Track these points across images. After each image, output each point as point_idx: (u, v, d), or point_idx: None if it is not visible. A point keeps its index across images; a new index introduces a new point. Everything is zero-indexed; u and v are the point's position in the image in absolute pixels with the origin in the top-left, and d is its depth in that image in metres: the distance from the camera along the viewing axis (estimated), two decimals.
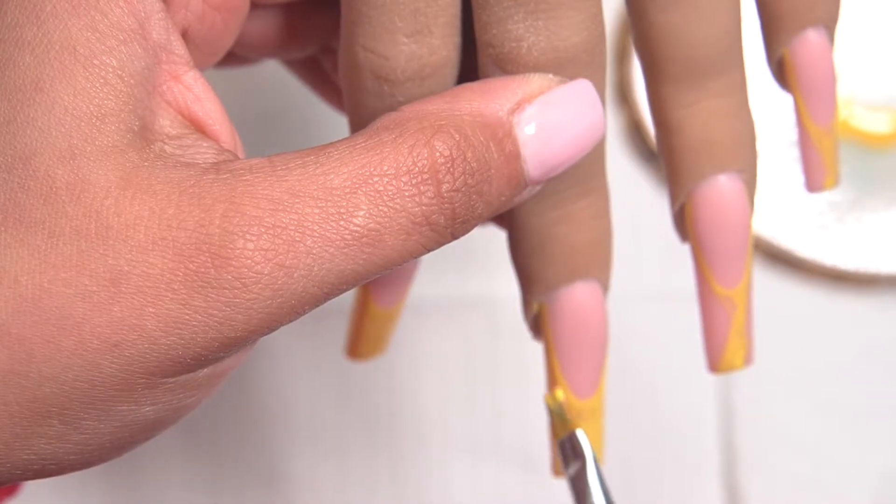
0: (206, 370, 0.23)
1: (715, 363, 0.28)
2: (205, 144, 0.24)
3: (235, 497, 0.44)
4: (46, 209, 0.22)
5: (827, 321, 0.46)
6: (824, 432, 0.45)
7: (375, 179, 0.22)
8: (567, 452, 0.27)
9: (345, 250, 0.22)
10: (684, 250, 0.46)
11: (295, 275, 0.22)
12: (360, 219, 0.22)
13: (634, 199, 0.45)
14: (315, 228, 0.22)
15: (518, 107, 0.24)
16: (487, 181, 0.23)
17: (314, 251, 0.22)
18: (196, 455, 0.44)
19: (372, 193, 0.22)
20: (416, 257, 0.23)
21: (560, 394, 0.27)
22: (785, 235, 0.46)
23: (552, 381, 0.28)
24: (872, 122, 0.47)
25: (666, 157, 0.27)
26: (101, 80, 0.22)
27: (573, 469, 0.27)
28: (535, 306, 0.28)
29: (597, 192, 0.27)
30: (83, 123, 0.22)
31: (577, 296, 0.27)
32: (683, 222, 0.28)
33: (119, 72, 0.22)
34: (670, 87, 0.26)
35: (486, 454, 0.44)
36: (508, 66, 0.25)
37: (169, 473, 0.44)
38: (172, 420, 0.24)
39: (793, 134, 0.47)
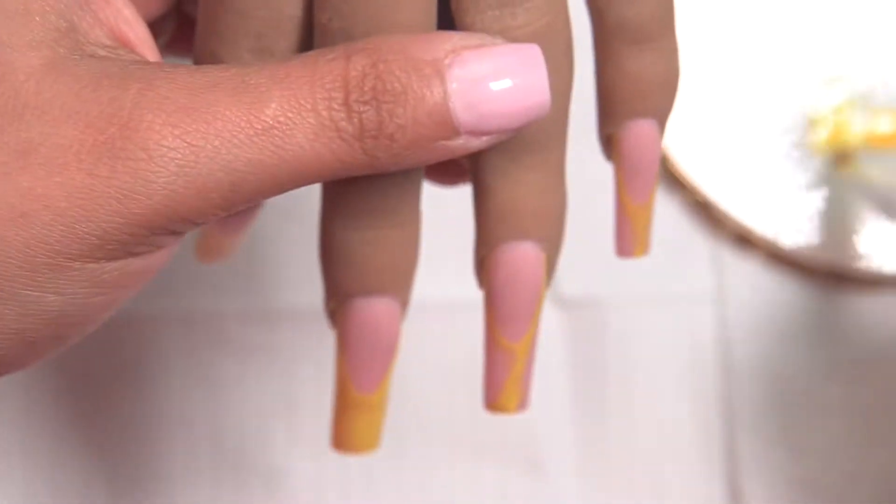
0: (111, 265, 0.23)
1: (489, 404, 0.29)
2: (136, 55, 0.25)
3: (236, 496, 0.44)
4: None
5: (829, 321, 0.46)
6: (826, 433, 0.45)
7: (291, 80, 0.23)
8: None
9: (254, 138, 0.23)
10: (685, 251, 0.46)
11: (201, 154, 0.23)
12: (270, 110, 0.23)
13: None
14: (226, 113, 0.23)
15: (454, 51, 0.24)
16: (401, 104, 0.24)
17: (223, 134, 0.23)
18: (196, 455, 0.44)
19: (285, 90, 0.23)
20: (331, 168, 0.24)
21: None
22: (787, 235, 0.46)
23: (338, 372, 0.29)
24: (874, 123, 0.47)
25: (475, 215, 0.28)
26: None
27: None
28: (331, 304, 0.29)
29: (405, 223, 0.28)
30: (7, 19, 0.23)
31: (367, 309, 0.28)
32: (481, 274, 0.29)
33: None
34: (489, 153, 0.27)
35: (487, 454, 0.44)
36: None
37: (169, 473, 0.44)
38: (77, 321, 0.24)
39: (792, 136, 0.47)
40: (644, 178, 0.29)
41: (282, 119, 0.23)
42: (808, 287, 0.46)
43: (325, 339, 0.45)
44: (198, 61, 0.27)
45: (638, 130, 0.29)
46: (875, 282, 0.46)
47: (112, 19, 0.25)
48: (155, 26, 0.29)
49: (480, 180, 0.28)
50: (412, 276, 0.29)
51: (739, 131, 0.47)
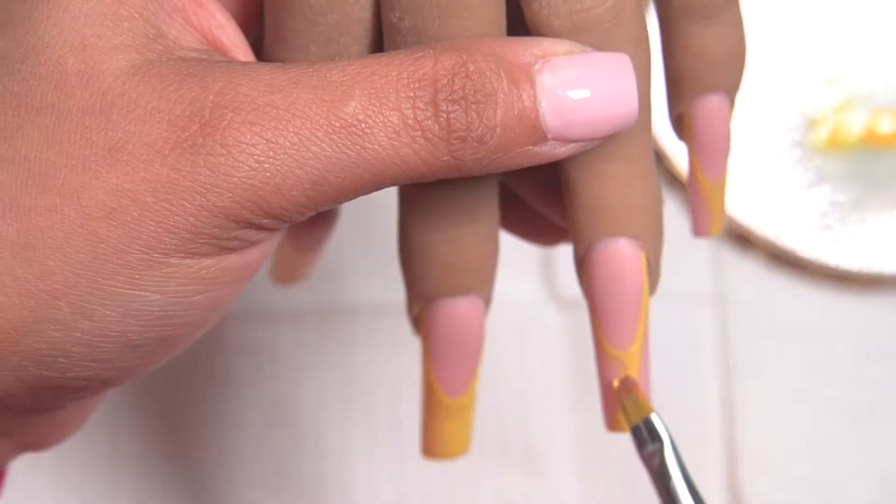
0: (207, 261, 0.24)
1: (610, 427, 0.29)
2: (226, 57, 0.25)
3: (236, 496, 0.44)
4: (56, 93, 0.23)
5: (829, 321, 0.46)
6: (826, 433, 0.45)
7: (375, 77, 0.23)
8: (642, 437, 0.27)
9: (332, 136, 0.23)
10: (685, 251, 0.46)
11: (279, 151, 0.23)
12: (350, 108, 0.23)
13: None
14: (304, 110, 0.23)
15: (544, 56, 0.24)
16: (491, 106, 0.24)
17: (301, 132, 0.23)
18: (196, 455, 0.44)
19: (367, 87, 0.23)
20: (413, 169, 0.24)
21: (629, 377, 0.28)
22: (788, 235, 0.46)
23: (426, 378, 0.29)
24: (875, 123, 0.47)
25: (567, 215, 0.27)
26: None
27: (649, 451, 0.27)
28: (415, 308, 0.28)
29: (485, 220, 0.27)
30: (96, 23, 0.24)
31: (453, 309, 0.28)
32: (581, 277, 0.28)
33: None
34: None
35: (488, 453, 0.44)
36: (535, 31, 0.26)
37: (169, 473, 0.44)
38: (180, 321, 0.24)
39: (795, 135, 0.47)
40: (718, 154, 0.29)
41: (361, 117, 0.23)
42: (808, 287, 0.46)
43: (325, 339, 0.45)
44: None
45: (709, 106, 0.28)
46: (875, 282, 0.46)
47: (205, 24, 0.25)
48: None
49: (566, 176, 0.27)
50: (494, 272, 0.28)
51: (739, 131, 0.47)
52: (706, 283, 0.46)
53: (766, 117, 0.47)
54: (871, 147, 0.47)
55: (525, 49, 0.24)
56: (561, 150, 0.25)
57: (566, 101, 0.24)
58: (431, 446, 0.29)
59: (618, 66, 0.25)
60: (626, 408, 0.27)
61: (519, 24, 0.26)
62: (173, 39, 0.24)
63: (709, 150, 0.29)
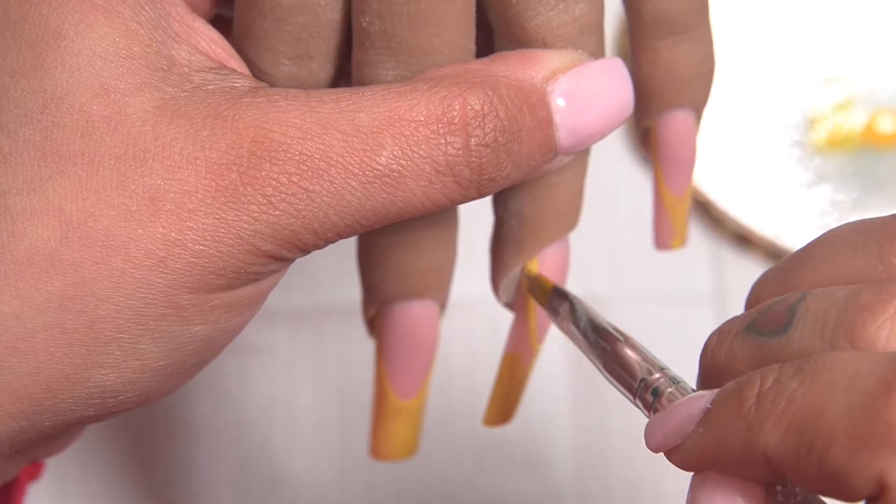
0: (247, 289, 0.24)
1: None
2: (238, 75, 0.25)
3: (236, 496, 0.44)
4: (84, 141, 0.23)
5: None
6: None
7: (404, 123, 0.23)
8: (554, 305, 0.28)
9: (366, 185, 0.23)
10: (685, 251, 0.46)
11: (317, 199, 0.23)
12: (383, 158, 0.23)
13: (636, 200, 0.45)
14: (339, 160, 0.23)
15: (552, 76, 0.25)
16: (518, 141, 0.24)
17: (336, 181, 0.23)
18: (196, 455, 0.44)
19: (398, 136, 0.23)
20: (440, 208, 0.24)
21: (530, 266, 0.28)
22: (788, 235, 0.46)
23: (378, 379, 0.29)
24: (875, 122, 0.47)
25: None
26: (123, 27, 0.23)
27: (563, 311, 0.28)
28: (371, 311, 0.29)
29: (443, 225, 0.28)
30: (112, 64, 0.23)
31: (407, 313, 0.28)
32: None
33: (136, 19, 0.24)
34: None
35: (487, 454, 0.44)
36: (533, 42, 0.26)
37: (168, 473, 0.44)
38: (220, 343, 0.25)
39: (795, 134, 0.47)
40: (682, 169, 0.29)
41: (395, 167, 0.23)
42: None
43: (325, 339, 0.45)
44: None
45: (675, 122, 0.29)
46: None
47: (202, 43, 0.25)
48: None
49: (542, 180, 0.28)
50: (450, 277, 0.29)
51: (739, 130, 0.47)
52: (706, 283, 0.46)
53: (766, 117, 0.47)
54: (871, 147, 0.47)
55: (537, 71, 0.25)
56: (565, 161, 0.25)
57: (577, 119, 0.25)
58: (379, 447, 0.30)
59: (616, 72, 0.26)
60: (534, 291, 0.28)
61: (484, 28, 0.26)
62: (186, 64, 0.24)
63: (673, 166, 0.29)
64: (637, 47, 0.29)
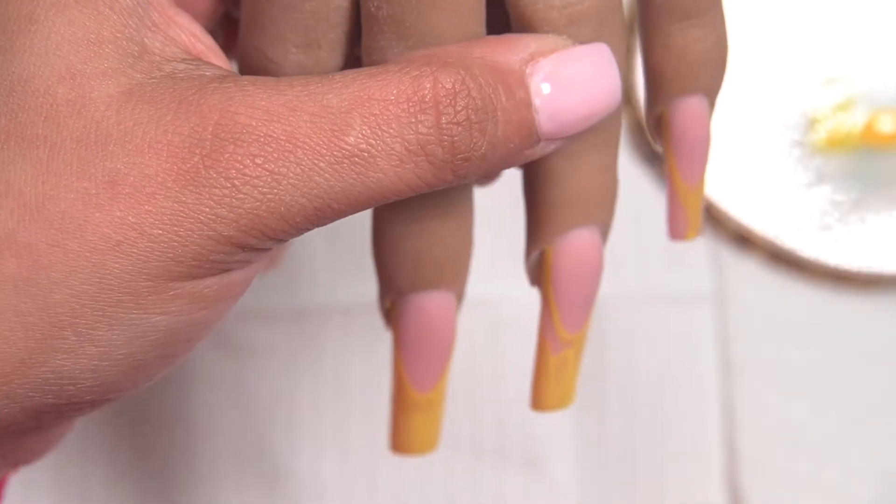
0: (212, 280, 0.24)
1: (536, 405, 0.29)
2: (211, 65, 0.24)
3: (236, 496, 0.44)
4: (47, 125, 0.23)
5: (829, 321, 0.46)
6: (826, 433, 0.45)
7: (373, 103, 0.23)
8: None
9: (335, 166, 0.23)
10: (685, 251, 0.46)
11: (283, 182, 0.23)
12: (352, 138, 0.23)
13: (636, 199, 0.45)
14: (306, 141, 0.23)
15: (532, 58, 0.24)
16: (493, 122, 0.24)
17: (303, 162, 0.23)
18: (196, 455, 0.44)
19: (367, 115, 0.23)
20: (414, 190, 0.24)
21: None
22: (787, 235, 0.46)
23: (396, 372, 0.28)
24: (875, 123, 0.47)
25: (535, 205, 0.28)
26: (94, 12, 0.23)
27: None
28: (387, 302, 0.29)
29: (458, 213, 0.27)
30: (81, 48, 0.23)
31: (424, 303, 0.28)
32: (537, 270, 0.28)
33: (110, 5, 0.23)
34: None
35: (487, 454, 0.44)
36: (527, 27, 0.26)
37: (168, 473, 0.44)
38: (185, 337, 0.24)
39: (795, 134, 0.47)
40: (696, 157, 0.29)
41: (364, 146, 0.23)
42: (807, 287, 0.46)
43: (324, 339, 0.45)
44: (242, 58, 0.27)
45: (688, 108, 0.28)
46: (874, 282, 0.46)
47: (182, 36, 0.25)
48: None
49: (545, 167, 0.27)
50: (467, 267, 0.28)
51: (739, 131, 0.47)
52: (706, 283, 0.46)
53: (766, 117, 0.47)
54: (871, 147, 0.47)
55: (515, 53, 0.24)
56: (550, 147, 0.25)
57: (559, 103, 0.24)
58: (400, 442, 0.29)
59: (601, 58, 0.25)
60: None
61: (497, 11, 0.26)
62: (158, 53, 0.24)
63: (687, 154, 0.29)
64: (648, 33, 0.28)
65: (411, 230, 0.27)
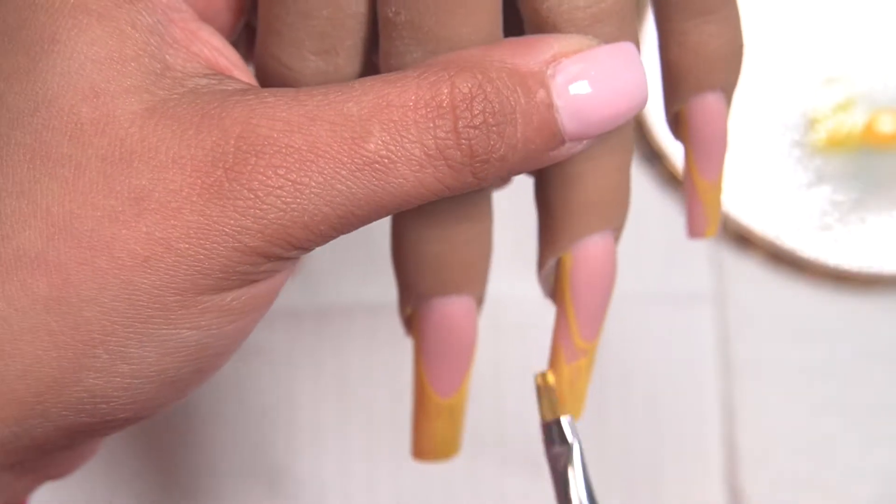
0: (240, 291, 0.24)
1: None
2: (233, 80, 0.24)
3: (236, 496, 0.44)
4: (72, 144, 0.23)
5: (829, 321, 0.46)
6: (826, 433, 0.45)
7: (392, 109, 0.23)
8: (552, 436, 0.28)
9: (356, 173, 0.23)
10: (685, 251, 0.46)
11: (306, 191, 0.23)
12: (372, 145, 0.23)
13: (636, 199, 0.45)
14: (326, 150, 0.23)
15: (554, 59, 0.24)
16: (511, 124, 0.24)
17: (325, 171, 0.23)
18: (196, 454, 0.44)
19: (386, 121, 0.23)
20: (436, 194, 0.24)
21: (550, 377, 0.28)
22: (787, 235, 0.46)
23: (417, 377, 0.29)
24: (875, 123, 0.47)
25: (549, 210, 0.27)
26: (117, 31, 0.23)
27: (556, 452, 0.27)
28: (408, 309, 0.28)
29: (478, 218, 0.27)
30: (104, 67, 0.23)
31: (445, 309, 0.28)
32: (552, 277, 0.28)
33: (131, 23, 0.24)
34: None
35: (488, 454, 0.44)
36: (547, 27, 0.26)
37: (168, 473, 0.44)
38: (215, 351, 0.25)
39: (795, 134, 0.47)
40: (714, 154, 0.29)
41: (384, 153, 0.23)
42: (807, 287, 0.46)
43: (324, 339, 0.45)
44: (259, 66, 0.27)
45: (705, 105, 0.28)
46: (874, 282, 0.46)
47: (205, 50, 0.25)
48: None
49: (565, 170, 0.27)
50: (487, 271, 0.28)
51: (739, 131, 0.47)
52: (706, 283, 0.46)
53: (765, 117, 0.47)
54: (871, 147, 0.47)
55: (536, 55, 0.24)
56: (578, 148, 0.25)
57: (582, 103, 0.24)
58: (422, 447, 0.29)
59: (627, 57, 0.25)
60: (542, 404, 0.28)
61: (514, 15, 0.26)
62: (181, 69, 0.24)
63: (705, 150, 0.29)
64: (663, 30, 0.28)
65: (432, 235, 0.27)
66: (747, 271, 0.46)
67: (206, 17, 0.26)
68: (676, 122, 0.29)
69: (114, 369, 0.23)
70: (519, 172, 0.25)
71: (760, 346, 0.45)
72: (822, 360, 0.46)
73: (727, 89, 0.29)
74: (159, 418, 0.44)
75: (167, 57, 0.24)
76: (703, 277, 0.46)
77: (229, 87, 0.24)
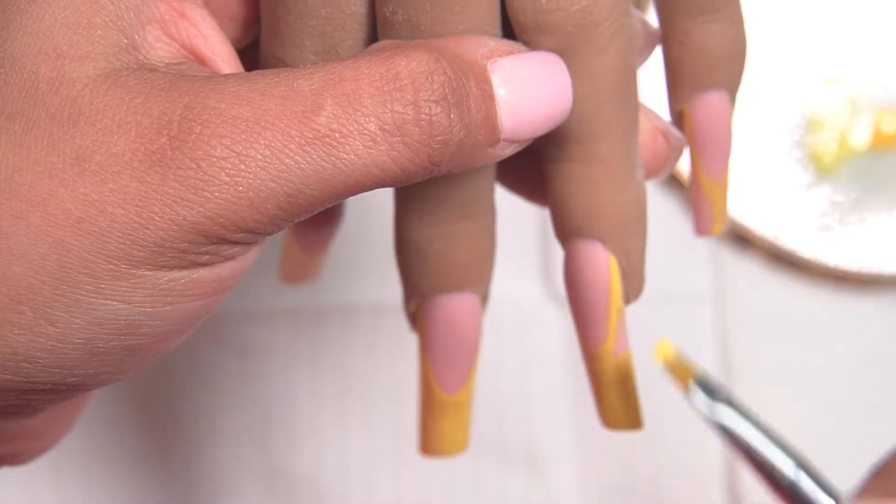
0: (178, 273, 0.23)
1: (603, 420, 0.29)
2: (202, 68, 0.24)
3: (236, 496, 0.44)
4: (27, 101, 0.23)
5: (829, 321, 0.46)
6: (825, 433, 0.45)
7: (345, 83, 0.23)
8: (701, 395, 0.28)
9: (305, 147, 0.22)
10: (685, 251, 0.46)
11: (251, 165, 0.22)
12: (322, 118, 0.22)
13: None
14: (275, 122, 0.22)
15: (490, 56, 0.24)
16: (467, 107, 0.23)
17: (273, 144, 0.22)
18: (196, 454, 0.44)
19: (339, 95, 0.22)
20: (389, 177, 0.23)
21: (666, 347, 0.29)
22: (787, 236, 0.46)
23: (423, 375, 0.28)
24: (874, 123, 0.47)
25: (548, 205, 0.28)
26: (93, 0, 0.24)
27: (715, 412, 0.28)
28: (412, 306, 0.28)
29: (481, 215, 0.27)
30: (70, 31, 0.23)
31: (449, 305, 0.28)
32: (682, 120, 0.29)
33: None
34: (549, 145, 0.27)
35: (488, 453, 0.44)
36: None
37: (168, 473, 0.44)
38: (147, 331, 0.24)
39: (795, 135, 0.47)
40: (718, 152, 0.29)
41: (335, 126, 0.22)
42: (807, 287, 0.46)
43: (324, 340, 0.45)
44: (263, 66, 0.27)
45: (709, 103, 0.28)
46: (874, 282, 0.46)
47: (184, 33, 0.25)
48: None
49: (551, 173, 0.27)
50: (491, 268, 0.28)
51: (740, 131, 0.47)
52: (706, 283, 0.46)
53: (766, 118, 0.47)
54: (871, 147, 0.47)
55: (475, 49, 0.24)
56: (506, 152, 0.25)
57: (519, 104, 0.24)
58: (430, 444, 0.29)
59: (555, 66, 0.25)
60: (676, 375, 0.28)
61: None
62: (145, 51, 0.24)
63: (709, 149, 0.29)
64: (666, 29, 0.28)
65: (435, 233, 0.27)
66: (747, 271, 0.46)
67: (215, 5, 0.26)
68: (680, 121, 0.29)
69: (38, 329, 0.23)
70: (462, 168, 0.24)
71: (760, 346, 0.45)
72: (822, 360, 0.46)
73: (731, 88, 0.29)
74: (160, 417, 0.44)
75: (136, 36, 0.24)
76: (703, 277, 0.46)
77: (189, 73, 0.24)
